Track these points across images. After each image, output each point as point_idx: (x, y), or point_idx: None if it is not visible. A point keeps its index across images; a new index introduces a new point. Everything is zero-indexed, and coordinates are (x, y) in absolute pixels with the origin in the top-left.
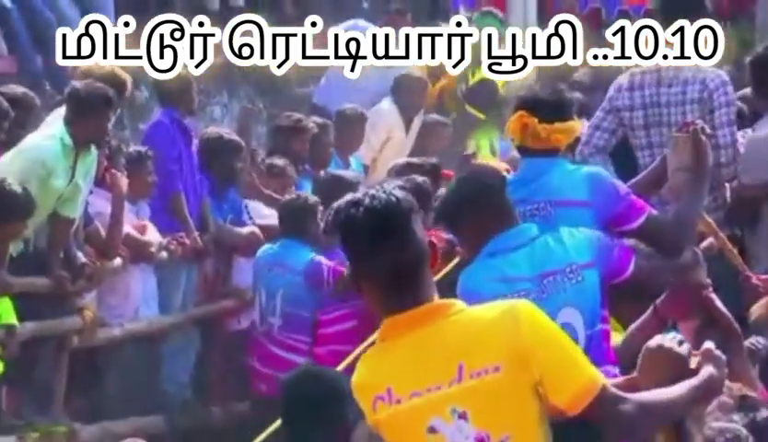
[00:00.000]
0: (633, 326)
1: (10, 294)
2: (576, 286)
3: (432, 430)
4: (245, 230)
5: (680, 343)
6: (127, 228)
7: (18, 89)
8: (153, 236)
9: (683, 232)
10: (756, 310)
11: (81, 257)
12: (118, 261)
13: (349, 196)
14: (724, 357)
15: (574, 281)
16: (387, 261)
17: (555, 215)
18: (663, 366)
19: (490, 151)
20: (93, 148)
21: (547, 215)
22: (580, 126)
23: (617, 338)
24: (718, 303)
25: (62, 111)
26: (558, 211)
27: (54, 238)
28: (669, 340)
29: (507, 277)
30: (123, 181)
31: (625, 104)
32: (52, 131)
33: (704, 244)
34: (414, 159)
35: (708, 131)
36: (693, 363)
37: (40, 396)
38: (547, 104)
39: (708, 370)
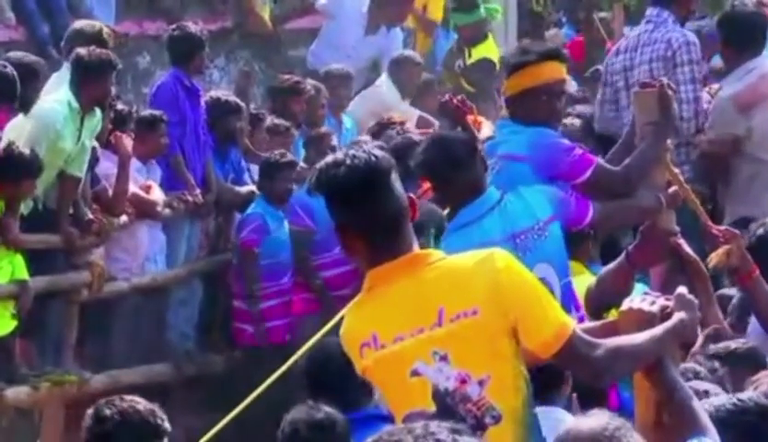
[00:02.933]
0: (604, 270)
1: (22, 250)
2: (545, 242)
3: (415, 373)
4: (244, 189)
5: (652, 302)
6: (133, 188)
7: (27, 57)
8: (158, 195)
9: (632, 178)
10: (714, 258)
11: (89, 214)
12: (124, 218)
13: (330, 156)
14: (696, 301)
15: (543, 237)
16: (368, 216)
17: (500, 167)
18: (635, 327)
19: None
20: (98, 110)
21: (495, 168)
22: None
23: (586, 280)
24: (687, 248)
25: (61, 75)
26: (502, 163)
27: (63, 197)
28: (638, 300)
29: (483, 242)
30: (128, 143)
31: (615, 68)
32: (58, 95)
33: (670, 191)
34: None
35: (672, 86)
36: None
37: (52, 347)
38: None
39: (679, 315)
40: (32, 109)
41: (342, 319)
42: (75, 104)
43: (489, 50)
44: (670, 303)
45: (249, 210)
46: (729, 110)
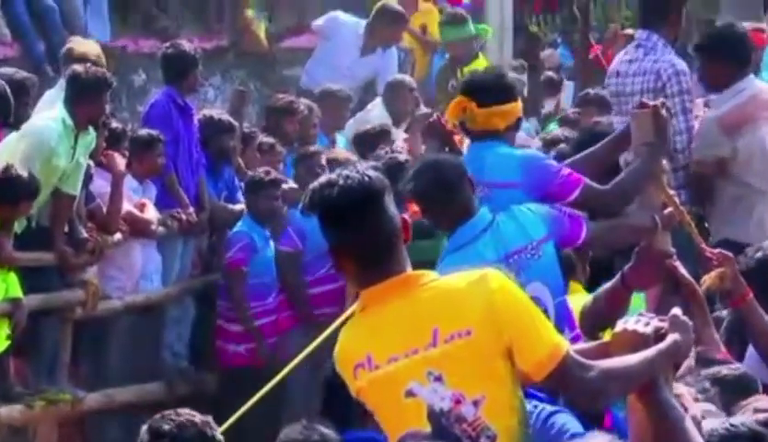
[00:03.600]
0: (600, 290)
1: (16, 268)
2: (538, 262)
3: (410, 393)
4: (238, 208)
5: (646, 324)
6: (128, 206)
7: (18, 73)
8: (152, 213)
9: (621, 194)
10: (707, 281)
11: (83, 232)
12: (118, 236)
13: (324, 177)
14: (690, 323)
15: (537, 257)
16: (361, 237)
17: (491, 196)
18: (629, 347)
19: None
20: (91, 128)
21: (484, 197)
22: (519, 108)
23: (582, 299)
24: (682, 270)
25: (53, 93)
26: (493, 192)
27: (57, 215)
28: (632, 322)
29: (478, 264)
30: (120, 161)
31: (611, 90)
32: (53, 113)
33: (666, 212)
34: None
35: (668, 106)
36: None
37: (46, 365)
38: (486, 88)
39: (673, 337)
40: (25, 126)
41: (328, 337)
42: (70, 122)
43: (479, 66)
44: (665, 324)
45: (235, 228)
46: (714, 132)
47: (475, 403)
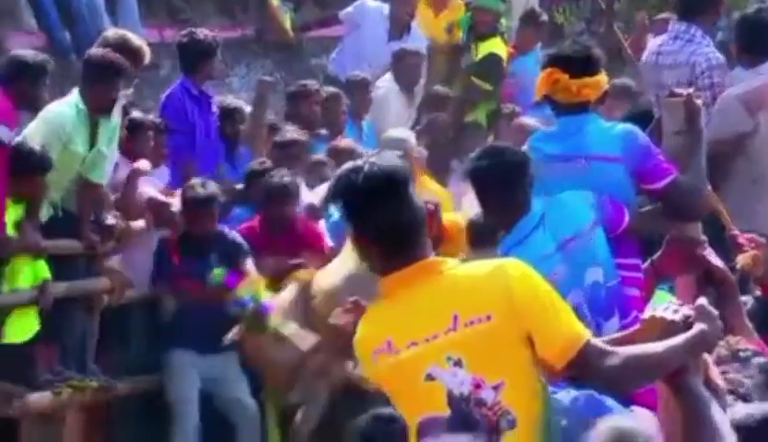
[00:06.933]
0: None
1: (45, 256)
2: (592, 246)
3: (429, 377)
4: None
5: (675, 311)
6: (152, 192)
7: (38, 55)
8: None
9: (701, 196)
10: (741, 260)
11: (109, 219)
12: (142, 223)
13: (350, 163)
14: (716, 313)
15: (590, 241)
16: (384, 224)
17: (591, 169)
18: (657, 334)
19: (487, 123)
20: (115, 116)
21: (583, 170)
22: (606, 80)
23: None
24: (714, 258)
25: None
26: (594, 165)
27: (83, 203)
28: (661, 309)
29: (540, 257)
30: (144, 166)
31: (647, 81)
32: (68, 98)
33: None
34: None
35: (700, 95)
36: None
37: (73, 353)
38: (576, 60)
39: (699, 326)
40: (42, 112)
41: None
42: (83, 106)
43: (496, 46)
44: (693, 313)
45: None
46: (735, 108)
47: (495, 388)
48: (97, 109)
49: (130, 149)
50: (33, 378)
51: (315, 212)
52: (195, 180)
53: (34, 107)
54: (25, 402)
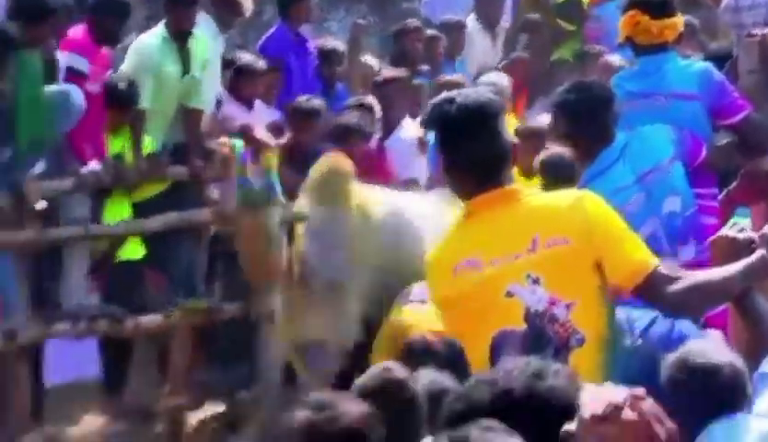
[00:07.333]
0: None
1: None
2: (670, 178)
3: (509, 294)
4: None
5: (741, 230)
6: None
7: None
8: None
9: None
10: None
11: (212, 145)
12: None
13: (445, 94)
14: None
15: (668, 174)
16: (474, 153)
17: (670, 106)
18: (726, 253)
19: (573, 59)
20: (202, 38)
21: (663, 107)
22: (682, 22)
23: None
24: None
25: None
26: (673, 102)
27: (189, 129)
28: (728, 229)
29: (618, 188)
30: (261, 133)
31: (728, 22)
32: (155, 29)
33: None
34: None
35: None
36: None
37: (182, 277)
38: (655, 2)
39: (760, 251)
40: (132, 45)
41: None
42: (166, 34)
43: None
44: (755, 236)
45: None
46: None
47: (568, 307)
48: (177, 34)
49: (239, 91)
50: (144, 301)
51: (423, 144)
52: (302, 97)
53: (114, 42)
54: (138, 324)
